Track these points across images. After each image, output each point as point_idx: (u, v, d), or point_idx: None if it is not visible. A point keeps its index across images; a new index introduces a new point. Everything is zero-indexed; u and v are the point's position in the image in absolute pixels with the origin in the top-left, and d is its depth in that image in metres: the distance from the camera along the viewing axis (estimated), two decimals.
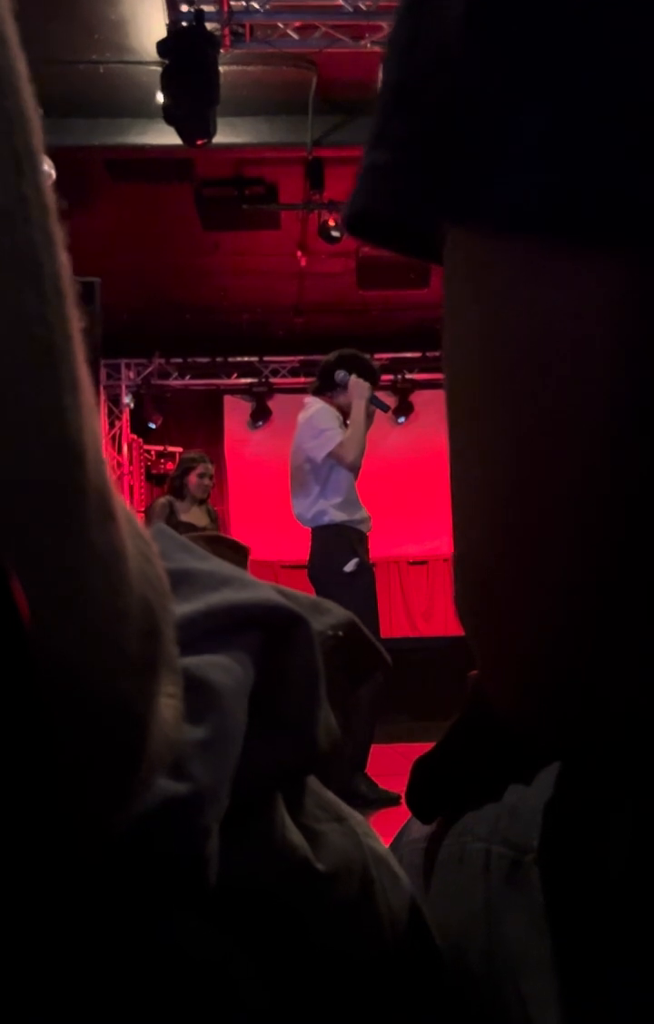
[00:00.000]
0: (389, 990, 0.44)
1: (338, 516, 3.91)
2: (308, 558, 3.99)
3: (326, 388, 4.03)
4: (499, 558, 0.32)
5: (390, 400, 8.97)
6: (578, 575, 0.31)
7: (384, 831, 0.56)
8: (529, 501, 0.31)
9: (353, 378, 3.95)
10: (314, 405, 4.02)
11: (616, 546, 0.30)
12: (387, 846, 0.51)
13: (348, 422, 3.96)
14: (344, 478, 3.92)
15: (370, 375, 4.03)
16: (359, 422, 3.88)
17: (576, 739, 0.35)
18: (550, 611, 0.32)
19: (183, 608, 0.41)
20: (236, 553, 0.62)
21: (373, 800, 3.48)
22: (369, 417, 3.94)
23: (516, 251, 0.30)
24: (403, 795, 0.55)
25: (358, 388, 3.93)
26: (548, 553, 0.31)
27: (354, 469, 3.89)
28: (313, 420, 3.96)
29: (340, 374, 3.97)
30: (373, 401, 3.93)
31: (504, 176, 0.28)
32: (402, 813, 0.59)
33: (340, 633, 0.51)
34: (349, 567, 3.81)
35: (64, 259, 0.27)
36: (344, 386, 3.96)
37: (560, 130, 0.27)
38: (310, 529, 4.00)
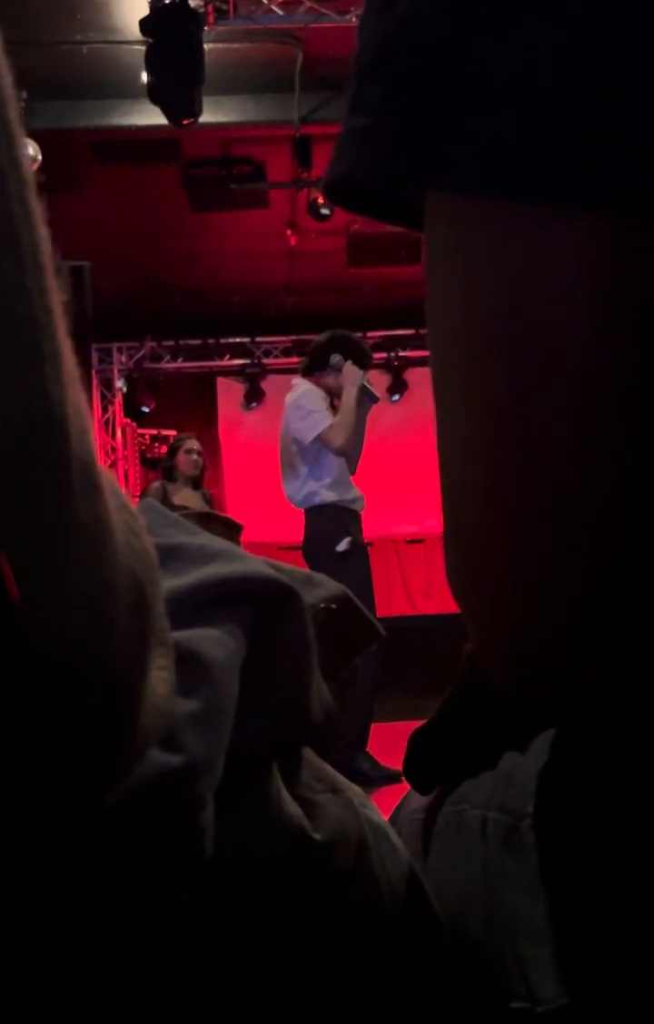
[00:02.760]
0: (387, 958, 0.45)
1: (329, 496, 3.90)
2: (302, 539, 3.99)
3: (315, 368, 4.02)
4: (486, 523, 0.32)
5: (383, 379, 8.96)
6: (566, 539, 0.31)
7: (386, 808, 0.56)
8: (516, 463, 0.31)
9: (348, 364, 3.92)
10: (301, 386, 4.00)
11: (605, 508, 0.30)
12: (387, 820, 0.52)
13: (335, 403, 3.94)
14: (332, 458, 3.91)
15: (362, 356, 4.01)
16: (349, 408, 3.86)
17: (567, 703, 0.36)
18: (538, 577, 0.32)
19: (174, 582, 0.41)
20: (229, 530, 0.62)
21: (375, 778, 3.49)
22: (361, 404, 3.92)
23: (493, 212, 0.30)
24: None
25: (351, 375, 3.91)
26: (535, 517, 0.31)
27: (343, 454, 3.87)
28: (299, 401, 3.94)
29: (336, 358, 3.94)
30: (363, 391, 3.91)
31: (478, 139, 0.28)
32: (404, 790, 0.59)
33: (333, 606, 0.51)
34: (341, 546, 3.81)
35: (44, 232, 0.27)
36: (338, 369, 3.94)
37: (531, 96, 0.27)
38: (303, 510, 4.00)
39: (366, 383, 3.93)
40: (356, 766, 3.58)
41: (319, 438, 3.84)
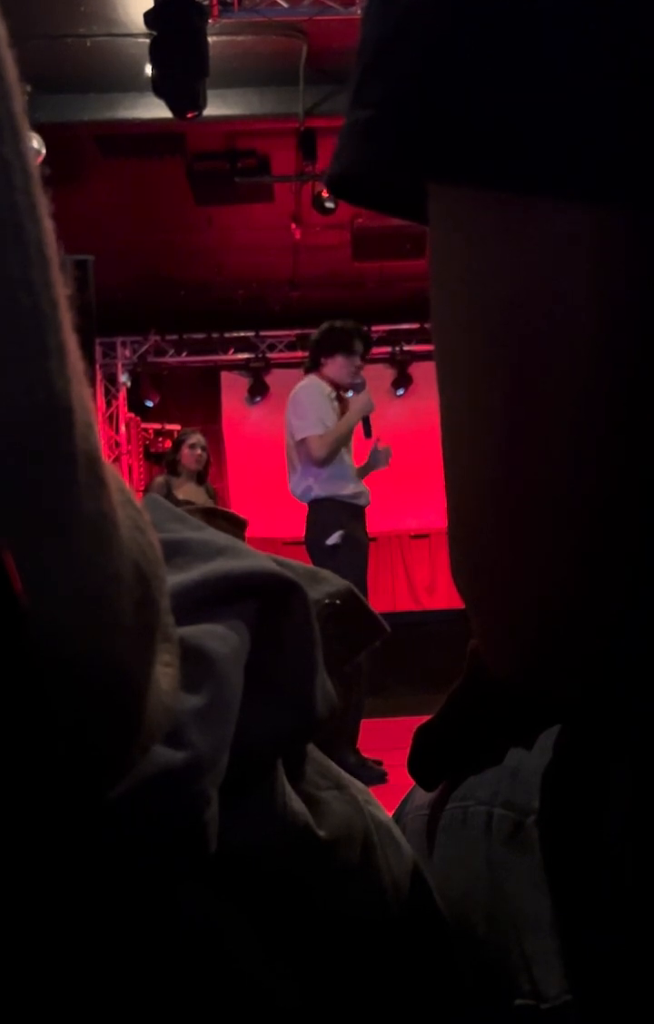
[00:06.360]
0: (391, 955, 0.45)
1: (325, 491, 3.90)
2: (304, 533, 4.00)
3: (314, 366, 4.03)
4: (488, 518, 0.32)
5: (388, 374, 8.96)
6: (567, 535, 0.31)
7: (390, 805, 0.56)
8: (517, 459, 0.31)
9: (364, 393, 3.94)
10: (303, 381, 4.02)
11: (606, 504, 0.30)
12: (391, 816, 0.52)
13: (341, 395, 3.95)
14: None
15: (352, 340, 3.99)
16: (346, 426, 3.87)
17: (570, 699, 0.36)
18: (540, 573, 0.32)
19: (178, 577, 0.41)
20: (233, 526, 0.61)
21: (362, 776, 3.48)
22: (365, 422, 3.94)
23: (496, 205, 0.29)
24: (404, 764, 0.55)
25: (361, 403, 3.92)
26: (537, 512, 0.31)
27: (321, 465, 3.86)
28: (298, 396, 3.95)
29: (359, 381, 3.95)
30: (366, 424, 3.93)
31: (481, 132, 0.28)
32: (394, 789, 0.59)
33: (337, 601, 0.51)
34: (331, 540, 3.80)
35: (49, 224, 0.27)
36: (356, 391, 3.95)
37: (533, 89, 0.27)
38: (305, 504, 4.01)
39: (368, 417, 3.93)
40: (342, 761, 3.57)
41: (304, 442, 3.85)
